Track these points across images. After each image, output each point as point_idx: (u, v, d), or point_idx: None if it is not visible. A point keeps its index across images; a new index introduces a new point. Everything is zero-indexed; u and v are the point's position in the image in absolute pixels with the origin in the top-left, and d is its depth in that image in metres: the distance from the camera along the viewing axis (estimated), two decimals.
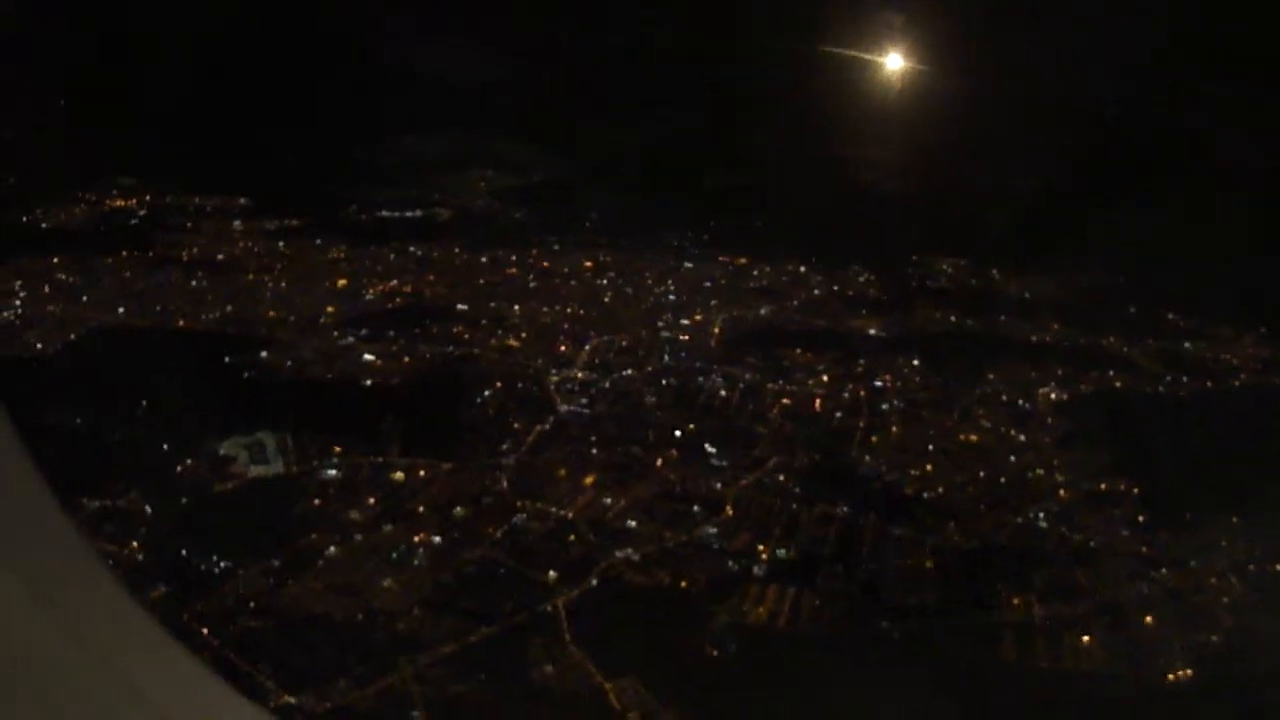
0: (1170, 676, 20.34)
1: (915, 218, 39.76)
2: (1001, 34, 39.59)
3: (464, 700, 18.57)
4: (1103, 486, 25.55)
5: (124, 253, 36.48)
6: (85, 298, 32.60)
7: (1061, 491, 25.34)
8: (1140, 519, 24.45)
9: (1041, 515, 24.38)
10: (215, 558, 21.88)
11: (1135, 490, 25.42)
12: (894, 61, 38.54)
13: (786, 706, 18.49)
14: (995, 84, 38.78)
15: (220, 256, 36.26)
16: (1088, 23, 38.37)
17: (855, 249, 38.37)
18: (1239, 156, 36.20)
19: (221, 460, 24.94)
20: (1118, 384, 30.55)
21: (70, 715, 4.51)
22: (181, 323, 31.51)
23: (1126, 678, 20.33)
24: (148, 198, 41.09)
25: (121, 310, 32.24)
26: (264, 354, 29.41)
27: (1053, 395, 29.51)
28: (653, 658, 19.47)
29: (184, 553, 22.14)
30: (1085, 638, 20.86)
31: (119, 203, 40.93)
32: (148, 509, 23.41)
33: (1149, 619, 21.52)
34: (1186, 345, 33.11)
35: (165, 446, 25.31)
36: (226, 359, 29.26)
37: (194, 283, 34.12)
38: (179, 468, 24.77)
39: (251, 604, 20.72)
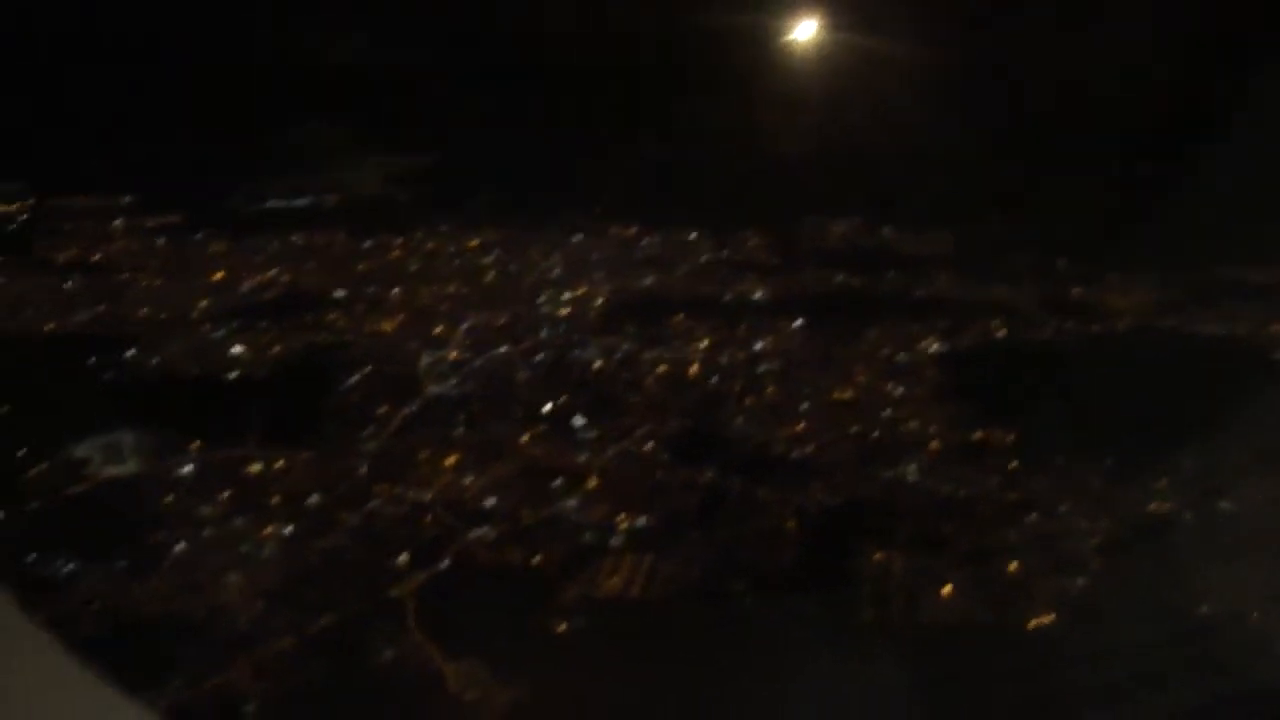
0: (1032, 623, 20.07)
1: (811, 182, 39.29)
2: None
3: (300, 692, 18.12)
4: (976, 436, 25.28)
5: None
6: None
7: (934, 444, 25.06)
8: (1012, 467, 24.19)
9: (912, 468, 24.07)
10: (61, 561, 21.29)
11: (1009, 439, 25.20)
12: (799, 30, 38.42)
13: (628, 677, 18.11)
14: (900, 48, 38.35)
15: (96, 257, 35.37)
16: None
17: (748, 215, 38.00)
18: (1137, 107, 36.05)
19: (76, 463, 24.30)
20: (1000, 333, 30.28)
21: None
22: (50, 326, 30.63)
23: (986, 627, 20.07)
24: (30, 201, 40.01)
25: None
26: (130, 353, 28.61)
27: (932, 348, 29.24)
28: (498, 637, 19.06)
29: (30, 558, 21.52)
30: (946, 589, 20.55)
31: (0, 208, 39.87)
32: None
33: (1013, 566, 21.25)
34: (1075, 291, 32.91)
35: (21, 452, 24.64)
36: (92, 360, 28.44)
37: (67, 285, 33.20)
38: (32, 472, 24.05)
39: (94, 606, 20.12)
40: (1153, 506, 23.17)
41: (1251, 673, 17.97)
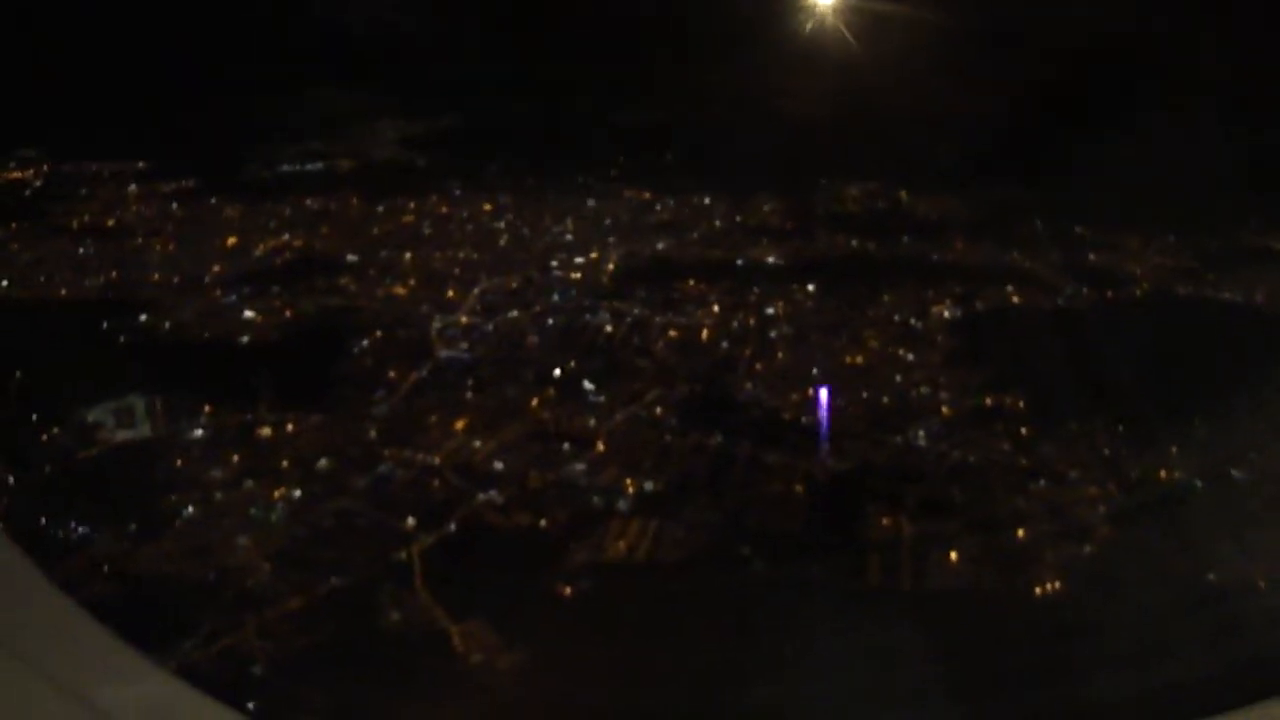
0: (1039, 589, 19.98)
1: (828, 145, 38.91)
2: None
3: (305, 653, 18.24)
4: (988, 402, 25.11)
5: (14, 225, 35.61)
6: None
7: (945, 409, 24.90)
8: (1023, 432, 24.02)
9: (921, 434, 23.94)
10: (73, 524, 21.44)
11: (1021, 404, 24.99)
12: None
13: (634, 640, 18.14)
14: (918, 11, 37.83)
15: (111, 222, 35.43)
16: None
17: (763, 179, 37.65)
18: (1158, 72, 35.53)
19: (88, 427, 24.42)
20: (1015, 299, 29.99)
21: None
22: (64, 292, 30.77)
23: (994, 593, 19.99)
24: (45, 167, 40.06)
25: (5, 283, 31.47)
26: (143, 318, 28.71)
27: (946, 313, 28.99)
28: (504, 599, 19.11)
29: (42, 521, 21.68)
30: (953, 554, 20.46)
31: (15, 175, 39.93)
32: (11, 480, 23.00)
33: (1021, 532, 21.13)
34: (1091, 256, 32.58)
35: (34, 417, 24.77)
36: (104, 325, 28.54)
37: (81, 250, 33.28)
38: (45, 437, 24.20)
39: (104, 569, 20.26)
40: (1164, 474, 22.96)
41: (1261, 642, 17.82)
